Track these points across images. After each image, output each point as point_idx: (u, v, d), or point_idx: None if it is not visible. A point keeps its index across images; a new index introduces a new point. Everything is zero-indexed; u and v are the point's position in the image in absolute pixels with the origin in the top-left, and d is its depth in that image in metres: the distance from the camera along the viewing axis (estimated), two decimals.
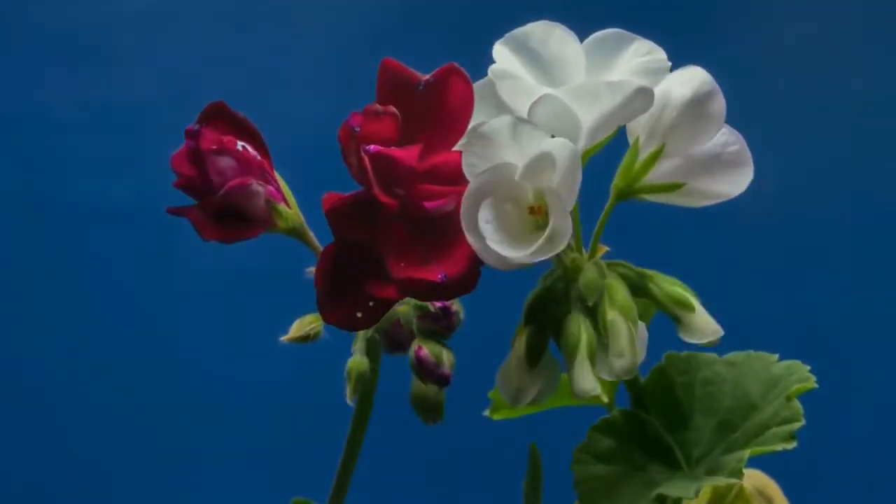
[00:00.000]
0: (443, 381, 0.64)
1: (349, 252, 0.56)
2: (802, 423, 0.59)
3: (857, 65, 1.41)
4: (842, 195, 1.37)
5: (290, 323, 0.64)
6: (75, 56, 1.40)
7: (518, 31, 0.58)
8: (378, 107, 0.57)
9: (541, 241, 0.54)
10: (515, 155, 0.54)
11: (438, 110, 0.57)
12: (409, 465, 1.33)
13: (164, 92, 1.39)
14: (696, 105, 0.58)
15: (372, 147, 0.55)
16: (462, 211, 0.54)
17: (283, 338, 0.63)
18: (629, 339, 0.56)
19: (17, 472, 1.37)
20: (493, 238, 0.54)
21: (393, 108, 0.57)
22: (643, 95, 0.55)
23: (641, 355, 0.57)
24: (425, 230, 0.56)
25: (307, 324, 0.63)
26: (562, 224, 0.54)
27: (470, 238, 0.54)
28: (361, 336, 0.64)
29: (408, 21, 1.41)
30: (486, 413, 0.73)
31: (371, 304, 0.56)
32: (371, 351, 0.65)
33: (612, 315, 0.57)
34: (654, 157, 0.58)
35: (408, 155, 0.56)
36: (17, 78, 1.41)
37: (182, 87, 1.37)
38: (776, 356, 0.62)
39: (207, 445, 1.37)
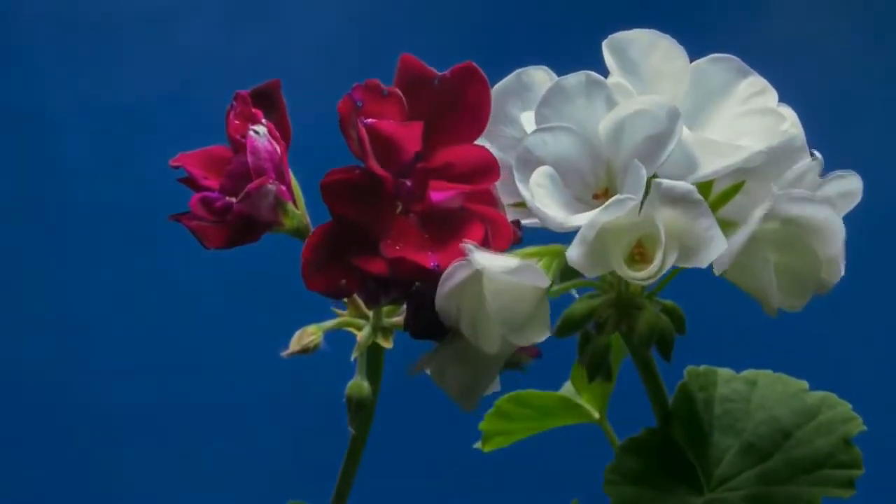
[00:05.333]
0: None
1: (344, 232, 0.56)
2: (863, 471, 0.57)
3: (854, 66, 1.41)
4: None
5: (292, 323, 0.62)
6: (75, 56, 1.42)
7: (623, 34, 0.56)
8: (381, 84, 0.56)
9: (603, 206, 0.50)
10: (590, 118, 0.53)
11: (453, 107, 0.57)
12: (411, 474, 1.32)
13: (165, 92, 1.39)
14: (784, 155, 0.55)
15: (370, 120, 0.55)
16: (515, 162, 0.52)
17: (284, 353, 0.61)
18: None
19: (18, 472, 1.37)
20: (540, 199, 0.52)
21: (398, 90, 0.56)
22: (758, 157, 0.54)
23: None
24: (427, 222, 0.56)
25: (307, 335, 0.62)
26: (632, 192, 0.51)
27: (518, 183, 0.52)
28: (363, 345, 0.62)
29: (411, 22, 1.41)
30: (477, 445, 0.71)
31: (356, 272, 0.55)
32: (371, 364, 0.63)
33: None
34: (735, 191, 0.55)
35: (408, 133, 0.56)
36: (16, 77, 1.42)
37: (182, 87, 1.37)
38: (805, 383, 0.61)
39: (208, 446, 1.37)
